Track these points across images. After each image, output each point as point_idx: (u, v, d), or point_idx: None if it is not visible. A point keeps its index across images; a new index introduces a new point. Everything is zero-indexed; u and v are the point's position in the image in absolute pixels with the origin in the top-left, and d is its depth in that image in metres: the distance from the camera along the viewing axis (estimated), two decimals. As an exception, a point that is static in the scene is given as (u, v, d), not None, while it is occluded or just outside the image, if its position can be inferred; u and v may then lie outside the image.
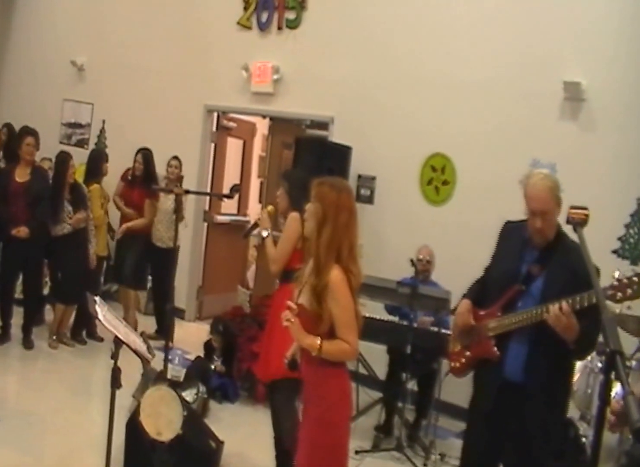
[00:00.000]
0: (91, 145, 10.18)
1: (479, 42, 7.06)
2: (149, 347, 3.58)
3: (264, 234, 5.04)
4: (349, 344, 3.35)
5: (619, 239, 6.22)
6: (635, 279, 3.23)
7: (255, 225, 5.33)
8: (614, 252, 6.20)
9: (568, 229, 3.21)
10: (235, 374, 6.85)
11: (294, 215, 4.87)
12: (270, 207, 5.15)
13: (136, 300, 8.57)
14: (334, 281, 3.34)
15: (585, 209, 2.92)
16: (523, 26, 6.79)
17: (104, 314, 3.39)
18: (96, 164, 8.07)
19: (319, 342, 3.34)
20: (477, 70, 7.05)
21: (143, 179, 8.10)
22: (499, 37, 6.93)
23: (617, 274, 3.26)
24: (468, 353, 4.11)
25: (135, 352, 3.36)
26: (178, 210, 6.18)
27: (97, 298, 3.53)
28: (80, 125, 10.60)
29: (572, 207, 2.94)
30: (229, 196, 7.04)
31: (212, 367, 6.81)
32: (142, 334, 4.31)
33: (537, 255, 3.85)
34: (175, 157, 8.28)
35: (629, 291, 3.25)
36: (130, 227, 8.04)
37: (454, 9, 7.25)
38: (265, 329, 5.15)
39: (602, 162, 6.33)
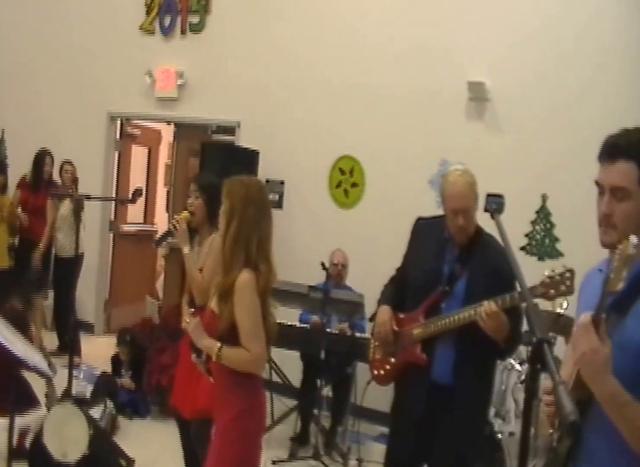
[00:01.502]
0: (-9, 157, 9.80)
1: (383, 45, 7.09)
2: (50, 364, 3.43)
3: (185, 250, 4.49)
4: (251, 353, 3.19)
5: (526, 235, 6.33)
6: (567, 274, 3.20)
7: (169, 233, 4.99)
8: (522, 248, 6.30)
9: (485, 218, 3.16)
10: (145, 388, 6.61)
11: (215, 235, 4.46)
12: (184, 214, 4.63)
13: (42, 315, 8.20)
14: (240, 283, 3.19)
15: (501, 196, 2.89)
16: (427, 27, 6.85)
17: (0, 329, 3.23)
18: None
19: (218, 346, 3.20)
20: (382, 73, 7.09)
21: (49, 183, 8.01)
22: (402, 39, 6.98)
23: (547, 272, 3.24)
24: (393, 360, 4.01)
25: (35, 369, 3.21)
26: (78, 214, 5.99)
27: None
28: (-23, 135, 10.16)
29: (489, 195, 2.91)
30: (131, 201, 6.85)
31: (119, 383, 6.60)
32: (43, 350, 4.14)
33: (458, 254, 3.80)
34: (68, 162, 8.05)
35: (562, 287, 3.22)
36: (46, 242, 7.87)
37: (358, 11, 7.26)
38: (180, 358, 4.66)
39: (508, 160, 6.43)
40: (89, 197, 6.42)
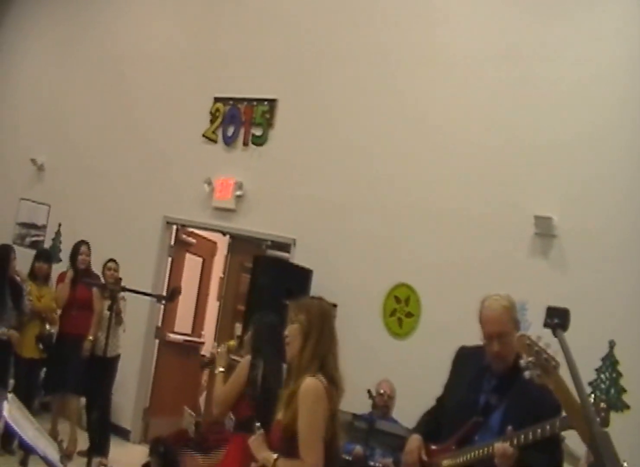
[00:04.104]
0: (46, 248, 10.01)
1: (450, 172, 7.11)
2: (62, 457, 3.32)
3: (218, 369, 4.90)
4: (304, 463, 3.16)
5: (590, 384, 6.05)
6: (602, 405, 3.06)
7: (213, 360, 5.21)
8: (590, 384, 6.01)
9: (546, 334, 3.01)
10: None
11: (247, 358, 4.79)
12: (231, 342, 5.03)
13: (78, 414, 8.13)
14: (304, 390, 3.23)
15: (564, 309, 2.76)
16: (495, 158, 6.86)
17: (12, 412, 3.15)
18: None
19: (274, 457, 3.22)
20: (447, 200, 7.07)
21: (87, 273, 7.94)
22: (470, 169, 6.99)
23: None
24: None
25: (44, 459, 3.09)
26: (112, 309, 5.98)
27: (9, 395, 3.31)
28: (35, 226, 10.47)
29: (551, 308, 2.78)
30: (169, 299, 6.90)
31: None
32: (60, 442, 4.03)
33: (496, 383, 3.69)
34: (112, 260, 8.08)
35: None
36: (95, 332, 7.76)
37: (424, 138, 7.34)
38: None
39: (573, 301, 6.15)
40: (123, 289, 6.44)
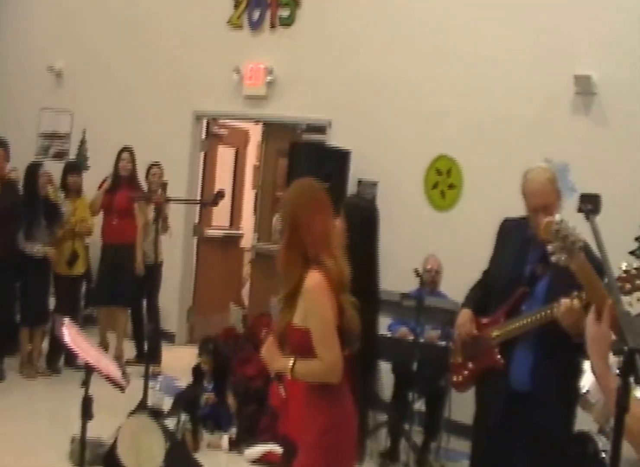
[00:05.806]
0: (72, 158, 9.96)
1: (485, 37, 6.99)
2: (124, 373, 3.48)
3: None
4: (322, 361, 3.08)
5: (637, 239, 6.11)
6: None
7: None
8: (632, 253, 6.08)
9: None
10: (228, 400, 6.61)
11: None
12: None
13: (125, 324, 8.03)
14: (309, 286, 3.10)
15: (597, 195, 2.85)
16: (532, 19, 6.73)
17: (72, 336, 3.28)
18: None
19: (291, 363, 3.13)
20: (483, 66, 6.99)
21: (130, 181, 7.85)
22: (506, 31, 6.87)
23: (624, 266, 3.16)
24: (471, 365, 4.05)
25: (107, 378, 3.24)
26: (158, 219, 6.04)
27: (65, 319, 3.43)
28: (59, 136, 10.34)
29: (583, 195, 2.86)
30: (213, 203, 6.92)
31: (203, 398, 6.36)
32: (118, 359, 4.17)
33: (541, 253, 3.73)
34: (156, 164, 8.05)
35: (638, 281, 3.08)
36: (140, 249, 7.72)
37: (459, 3, 7.19)
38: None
39: (617, 158, 6.24)
40: (168, 200, 6.43)
